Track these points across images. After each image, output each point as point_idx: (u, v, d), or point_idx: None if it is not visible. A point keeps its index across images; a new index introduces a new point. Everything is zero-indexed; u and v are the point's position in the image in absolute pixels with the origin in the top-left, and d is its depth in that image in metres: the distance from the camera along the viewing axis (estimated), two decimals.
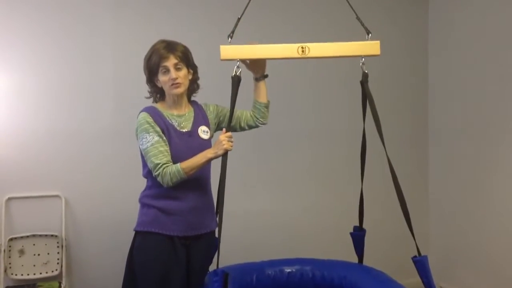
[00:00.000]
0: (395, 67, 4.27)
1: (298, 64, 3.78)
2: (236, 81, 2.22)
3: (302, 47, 2.21)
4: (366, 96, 2.35)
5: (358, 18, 2.36)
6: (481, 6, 3.78)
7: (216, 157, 2.22)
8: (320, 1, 4.01)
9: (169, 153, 2.26)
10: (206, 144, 2.36)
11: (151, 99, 2.48)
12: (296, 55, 2.21)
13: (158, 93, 2.41)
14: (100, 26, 3.47)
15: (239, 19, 2.30)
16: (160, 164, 2.20)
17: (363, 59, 2.28)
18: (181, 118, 2.38)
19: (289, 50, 2.23)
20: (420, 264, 2.09)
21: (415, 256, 2.14)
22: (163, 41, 2.33)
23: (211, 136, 2.46)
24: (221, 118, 2.53)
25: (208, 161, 2.27)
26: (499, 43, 3.63)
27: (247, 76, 2.46)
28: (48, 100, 3.37)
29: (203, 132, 2.40)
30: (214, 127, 2.53)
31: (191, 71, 2.39)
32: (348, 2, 2.38)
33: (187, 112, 2.42)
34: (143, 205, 2.37)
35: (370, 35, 2.31)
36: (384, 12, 4.22)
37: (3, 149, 3.30)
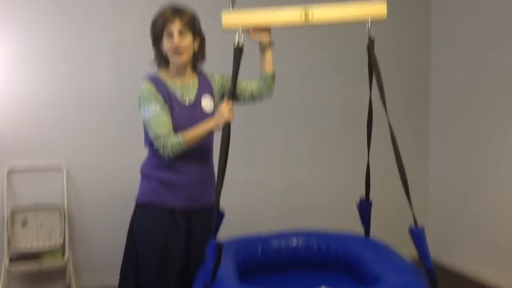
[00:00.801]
0: (397, 35, 4.17)
1: (300, 33, 3.70)
2: (238, 51, 2.13)
3: (305, 11, 2.13)
4: (372, 63, 2.27)
5: None
6: None
7: (217, 127, 2.16)
8: None
9: (171, 124, 2.21)
10: (208, 117, 2.30)
11: (154, 67, 2.41)
12: (299, 19, 2.13)
13: (162, 59, 2.33)
14: None
15: None
16: (161, 135, 2.16)
17: (370, 24, 2.19)
18: (185, 87, 2.31)
19: (292, 13, 2.15)
20: (417, 235, 2.05)
21: (411, 227, 2.10)
22: (171, 5, 2.25)
23: (215, 107, 2.40)
24: (226, 89, 2.45)
25: (210, 132, 2.21)
26: (504, 9, 3.53)
27: (254, 45, 2.37)
28: (48, 69, 3.34)
29: (207, 103, 2.34)
30: (218, 97, 2.45)
31: (197, 39, 2.31)
32: None
33: (191, 82, 2.35)
34: (144, 176, 2.33)
35: None
36: None
37: (4, 120, 3.28)
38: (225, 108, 2.13)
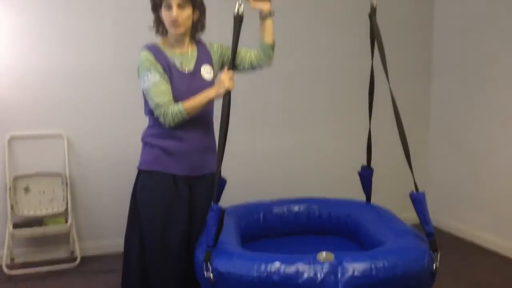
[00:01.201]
0: (400, 4, 4.13)
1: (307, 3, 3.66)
2: (238, 20, 2.11)
3: None
4: (373, 31, 2.26)
5: None
6: None
7: (217, 96, 2.17)
8: None
9: (171, 92, 2.21)
10: (208, 85, 2.29)
11: (154, 35, 2.39)
12: None
13: (161, 26, 2.30)
14: None
15: None
16: (162, 104, 2.16)
17: None
18: (184, 57, 2.30)
19: None
20: (417, 200, 2.09)
21: (412, 192, 2.13)
22: None
23: (215, 76, 2.39)
24: (225, 58, 2.44)
25: (210, 101, 2.21)
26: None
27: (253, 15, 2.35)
28: (47, 39, 3.31)
29: (206, 72, 2.33)
30: (218, 67, 2.44)
31: (197, 11, 2.28)
32: None
33: (190, 51, 2.33)
34: (146, 144, 2.34)
35: None
36: None
37: (4, 88, 3.27)
38: (225, 76, 2.13)
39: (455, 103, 4.05)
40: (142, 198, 2.30)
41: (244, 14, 2.12)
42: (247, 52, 2.43)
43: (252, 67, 2.46)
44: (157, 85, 2.17)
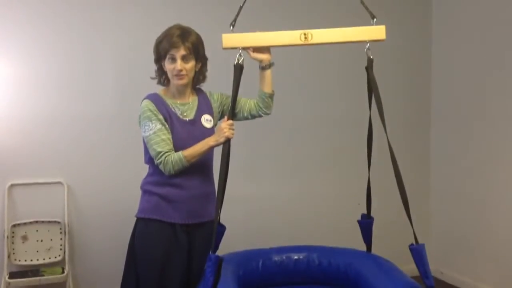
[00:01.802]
0: (399, 53, 4.18)
1: (304, 52, 3.72)
2: (238, 69, 2.16)
3: (305, 34, 2.15)
4: (370, 82, 2.30)
5: (362, 2, 2.30)
6: None
7: (217, 144, 2.20)
8: None
9: (171, 141, 2.25)
10: (208, 133, 2.33)
11: (155, 84, 2.44)
12: (299, 42, 2.15)
13: (164, 76, 2.36)
14: (101, 11, 3.42)
15: (241, 7, 2.22)
16: (162, 152, 2.19)
17: (368, 45, 2.22)
18: (185, 106, 2.35)
19: (291, 36, 2.17)
20: (417, 252, 2.07)
21: (412, 244, 2.12)
22: (178, 28, 2.28)
23: (215, 125, 2.43)
24: (225, 107, 2.49)
25: (210, 149, 2.25)
26: (503, 30, 3.56)
27: (253, 65, 2.40)
28: (48, 87, 3.34)
29: (206, 120, 2.37)
30: (218, 115, 2.49)
31: (200, 63, 2.35)
32: None
33: (191, 101, 2.39)
34: (145, 192, 2.36)
35: (375, 19, 2.25)
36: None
37: (5, 136, 3.28)
38: (225, 125, 2.17)
39: (456, 150, 4.06)
40: (139, 245, 2.31)
41: (244, 64, 2.17)
42: (247, 101, 2.48)
43: (252, 116, 2.50)
44: (158, 134, 2.21)
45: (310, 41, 2.14)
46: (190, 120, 2.33)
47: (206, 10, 3.60)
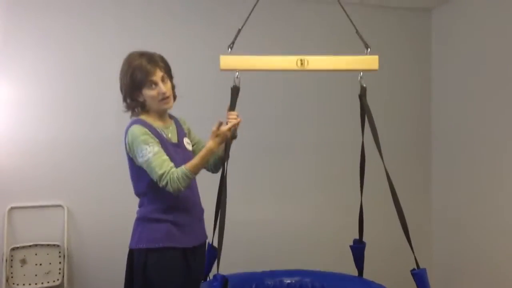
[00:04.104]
0: (398, 78, 4.26)
1: (302, 77, 3.80)
2: (235, 91, 2.23)
3: (301, 60, 2.22)
4: (364, 110, 2.37)
5: (357, 32, 2.38)
6: (484, 16, 3.78)
7: (218, 144, 2.19)
8: (320, 15, 4.03)
9: (171, 161, 2.20)
10: (192, 155, 2.33)
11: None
12: (295, 67, 2.22)
13: (138, 106, 2.34)
14: (104, 36, 3.51)
15: (239, 30, 2.30)
16: (166, 172, 2.12)
17: (362, 73, 2.30)
18: (167, 129, 2.36)
19: (288, 62, 2.24)
20: (419, 277, 2.09)
21: (413, 269, 2.13)
22: (141, 55, 2.28)
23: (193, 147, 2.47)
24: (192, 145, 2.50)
25: (211, 152, 2.20)
26: (502, 52, 3.61)
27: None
28: (50, 110, 3.41)
29: (187, 143, 2.41)
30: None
31: (171, 81, 2.35)
32: (348, 17, 2.40)
33: (170, 124, 2.41)
34: (150, 220, 2.27)
35: (369, 49, 2.32)
36: (386, 24, 4.22)
37: (6, 159, 3.33)
38: (218, 127, 2.17)
39: (457, 174, 4.04)
40: (157, 277, 2.23)
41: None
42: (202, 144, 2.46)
43: None
44: (158, 155, 2.15)
45: (306, 67, 2.20)
46: (175, 143, 2.34)
47: (206, 28, 3.71)
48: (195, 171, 2.17)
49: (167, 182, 2.12)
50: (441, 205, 4.26)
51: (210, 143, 2.18)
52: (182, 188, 2.14)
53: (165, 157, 2.18)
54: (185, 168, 2.14)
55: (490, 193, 3.73)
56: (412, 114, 4.34)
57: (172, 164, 2.16)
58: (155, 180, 2.16)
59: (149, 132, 2.22)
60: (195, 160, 2.17)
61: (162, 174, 2.12)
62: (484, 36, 3.80)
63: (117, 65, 3.48)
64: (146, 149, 2.16)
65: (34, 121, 3.38)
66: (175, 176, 2.12)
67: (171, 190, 2.13)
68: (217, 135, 2.16)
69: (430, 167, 4.37)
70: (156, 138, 2.22)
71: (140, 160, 2.18)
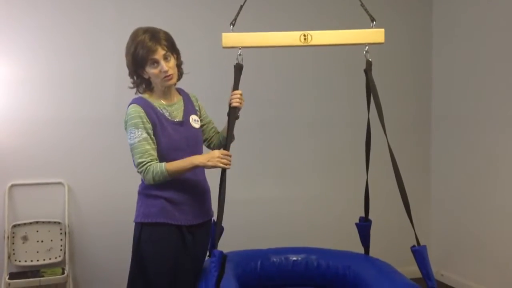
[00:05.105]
0: (399, 56, 4.20)
1: (301, 55, 3.75)
2: (238, 69, 2.19)
3: (305, 35, 2.18)
4: (369, 85, 2.32)
5: (362, 5, 2.31)
6: None
7: (203, 166, 2.21)
8: None
9: (155, 152, 2.21)
10: (198, 133, 2.35)
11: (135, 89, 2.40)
12: (299, 43, 2.17)
13: (143, 83, 2.32)
14: (103, 15, 3.46)
15: (241, 6, 2.25)
16: (144, 163, 2.16)
17: (367, 47, 2.24)
18: (172, 107, 2.33)
19: (291, 37, 2.20)
20: (419, 254, 2.08)
21: (413, 246, 2.12)
22: (145, 31, 2.22)
23: (201, 126, 2.44)
24: (201, 112, 2.50)
25: (194, 168, 2.22)
26: (504, 34, 3.57)
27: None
28: (51, 88, 3.37)
29: (194, 121, 2.36)
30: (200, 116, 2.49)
31: (176, 56, 2.32)
32: None
33: (177, 101, 2.37)
34: (147, 196, 2.29)
35: (374, 22, 2.26)
36: (388, 1, 4.14)
37: (6, 137, 3.31)
38: (218, 153, 2.17)
39: (457, 154, 4.06)
40: (149, 251, 2.26)
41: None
42: (212, 129, 2.51)
43: (208, 141, 2.53)
44: (142, 143, 2.17)
45: (310, 42, 2.16)
46: (179, 121, 2.31)
47: (208, 8, 3.63)
48: (173, 174, 2.18)
49: (141, 172, 2.19)
50: (440, 181, 4.27)
51: (199, 159, 2.20)
52: (153, 183, 2.18)
53: (150, 146, 2.19)
54: (164, 167, 2.16)
55: (489, 169, 3.74)
56: (412, 90, 4.29)
57: (153, 157, 2.19)
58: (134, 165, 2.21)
59: (145, 115, 2.21)
60: (178, 165, 2.19)
61: (140, 163, 2.17)
62: (486, 10, 3.73)
63: (116, 43, 3.46)
64: (135, 132, 2.18)
65: (35, 99, 3.35)
66: (152, 169, 2.15)
67: (143, 179, 2.22)
68: (209, 160, 2.18)
69: (430, 143, 4.35)
70: (151, 121, 2.22)
71: (128, 141, 2.22)
